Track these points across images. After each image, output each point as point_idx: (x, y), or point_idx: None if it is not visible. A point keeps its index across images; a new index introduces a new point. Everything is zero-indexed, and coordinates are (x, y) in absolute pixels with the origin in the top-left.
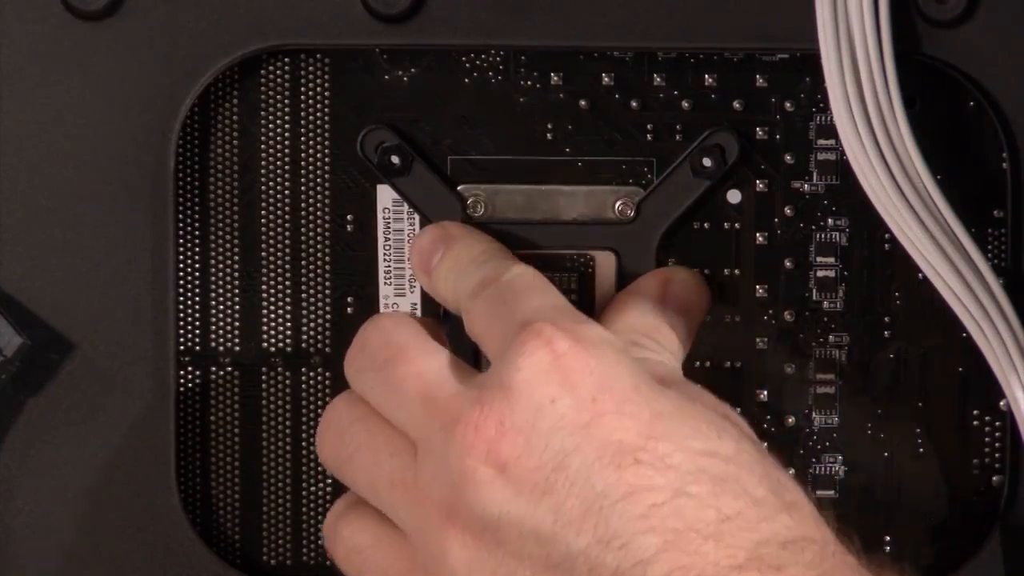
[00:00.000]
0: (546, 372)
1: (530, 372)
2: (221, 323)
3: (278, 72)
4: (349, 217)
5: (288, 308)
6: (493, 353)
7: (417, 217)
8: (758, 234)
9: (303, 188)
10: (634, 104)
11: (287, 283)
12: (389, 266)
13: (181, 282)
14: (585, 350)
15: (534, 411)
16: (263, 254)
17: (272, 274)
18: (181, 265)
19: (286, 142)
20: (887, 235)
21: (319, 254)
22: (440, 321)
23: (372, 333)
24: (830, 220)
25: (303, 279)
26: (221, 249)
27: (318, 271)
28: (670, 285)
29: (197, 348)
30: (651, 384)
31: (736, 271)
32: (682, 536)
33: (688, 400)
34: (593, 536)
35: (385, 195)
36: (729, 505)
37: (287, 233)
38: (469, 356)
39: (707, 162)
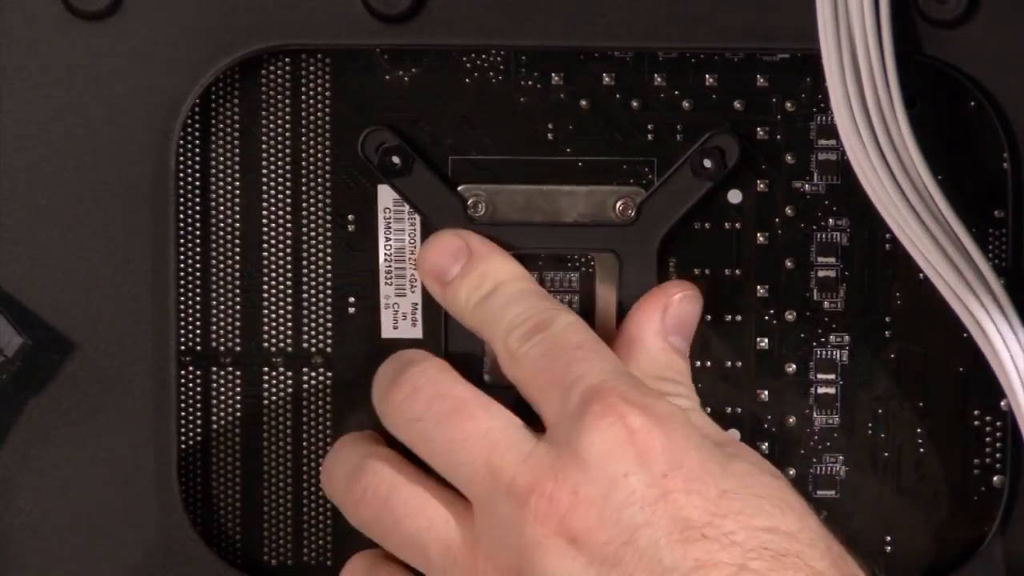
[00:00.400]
0: (621, 447)
1: (605, 447)
2: (222, 323)
3: (279, 72)
4: (350, 217)
5: (289, 308)
6: (550, 413)
7: (418, 217)
8: (759, 234)
9: (304, 188)
10: (635, 104)
11: (288, 283)
12: (390, 266)
13: (182, 282)
14: (658, 426)
15: (608, 484)
16: (264, 254)
17: (273, 274)
18: (182, 265)
19: (287, 142)
20: (888, 235)
21: (320, 254)
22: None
23: (421, 379)
24: (831, 220)
25: (304, 279)
26: (222, 249)
27: (319, 271)
28: (668, 313)
29: (198, 348)
30: (717, 459)
31: (737, 271)
32: None
33: (752, 476)
34: None
35: (386, 195)
36: None
37: (288, 233)
38: (476, 366)
39: (707, 163)
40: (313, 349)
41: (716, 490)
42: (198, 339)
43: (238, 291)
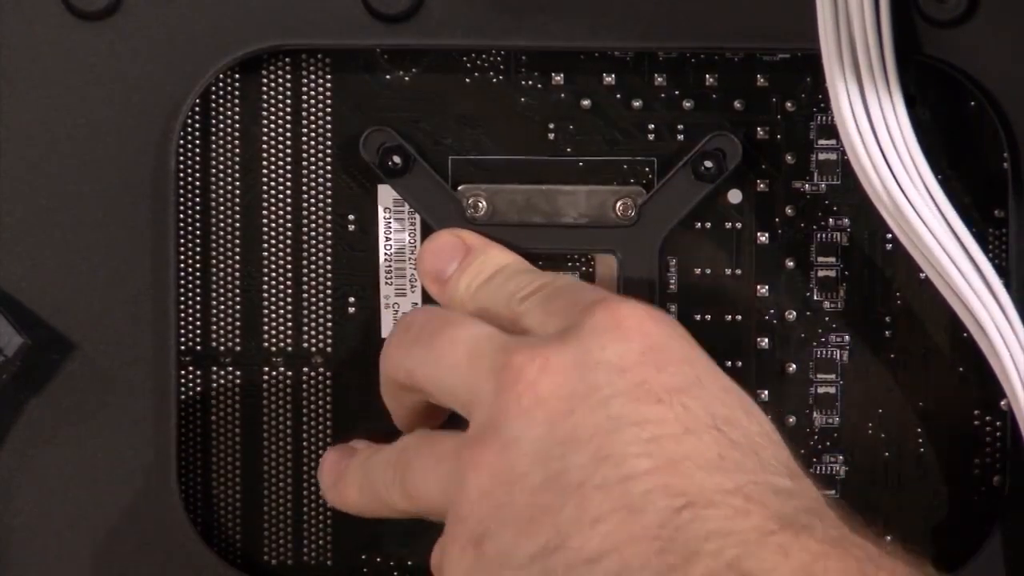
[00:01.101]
0: (605, 328)
1: (590, 327)
2: (222, 323)
3: (279, 72)
4: (350, 217)
5: (289, 308)
6: (556, 320)
7: (418, 217)
8: (759, 234)
9: (304, 188)
10: (635, 104)
11: (288, 283)
12: (390, 266)
13: (182, 282)
14: (651, 315)
15: (581, 354)
16: (264, 254)
17: (273, 274)
18: (182, 265)
19: (287, 142)
20: (888, 235)
21: (320, 254)
22: None
23: (416, 315)
24: (831, 220)
25: (304, 279)
26: (222, 249)
27: (319, 271)
28: None
29: (198, 348)
30: (705, 362)
31: (737, 271)
32: (677, 463)
33: (736, 389)
34: (593, 454)
35: (386, 195)
36: (734, 455)
37: (288, 233)
38: None
39: (708, 165)
40: (313, 349)
41: (691, 378)
42: (198, 339)
43: (238, 291)
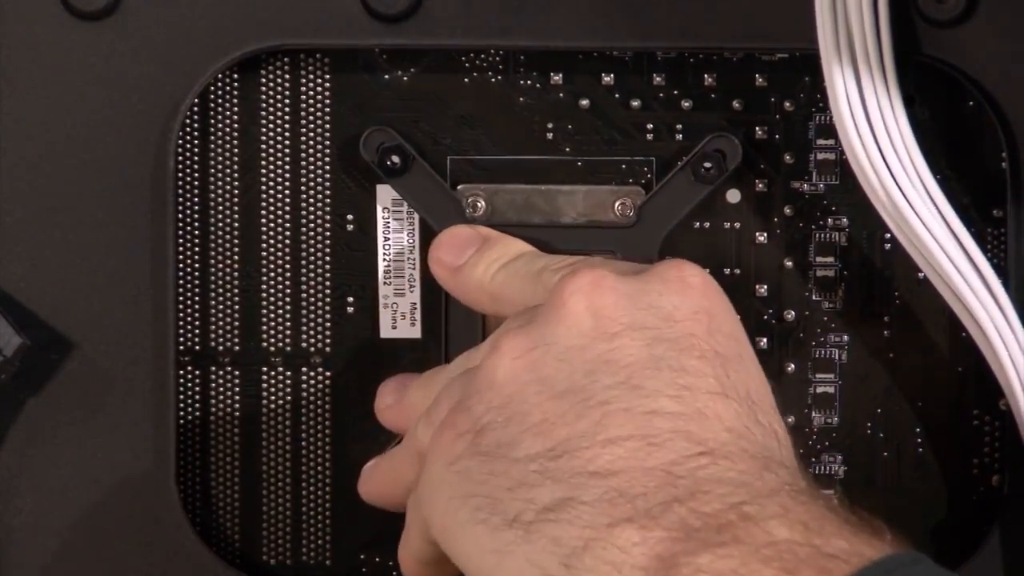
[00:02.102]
0: (667, 278)
1: (652, 274)
2: (221, 323)
3: (278, 72)
4: (349, 217)
5: (288, 308)
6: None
7: (417, 217)
8: (758, 234)
9: (303, 188)
10: (634, 104)
11: (287, 283)
12: (389, 266)
13: (181, 282)
14: (712, 284)
15: (640, 291)
16: (263, 254)
17: (272, 274)
18: (181, 265)
19: (286, 142)
20: (887, 235)
21: (319, 254)
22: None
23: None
24: (830, 220)
25: (303, 279)
26: (221, 249)
27: (318, 271)
28: None
29: (197, 348)
30: (748, 345)
31: (736, 270)
32: (705, 417)
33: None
34: (625, 380)
35: (385, 195)
36: (758, 434)
37: (287, 233)
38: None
39: (708, 166)
40: (312, 349)
41: (736, 351)
42: (197, 339)
43: (237, 291)
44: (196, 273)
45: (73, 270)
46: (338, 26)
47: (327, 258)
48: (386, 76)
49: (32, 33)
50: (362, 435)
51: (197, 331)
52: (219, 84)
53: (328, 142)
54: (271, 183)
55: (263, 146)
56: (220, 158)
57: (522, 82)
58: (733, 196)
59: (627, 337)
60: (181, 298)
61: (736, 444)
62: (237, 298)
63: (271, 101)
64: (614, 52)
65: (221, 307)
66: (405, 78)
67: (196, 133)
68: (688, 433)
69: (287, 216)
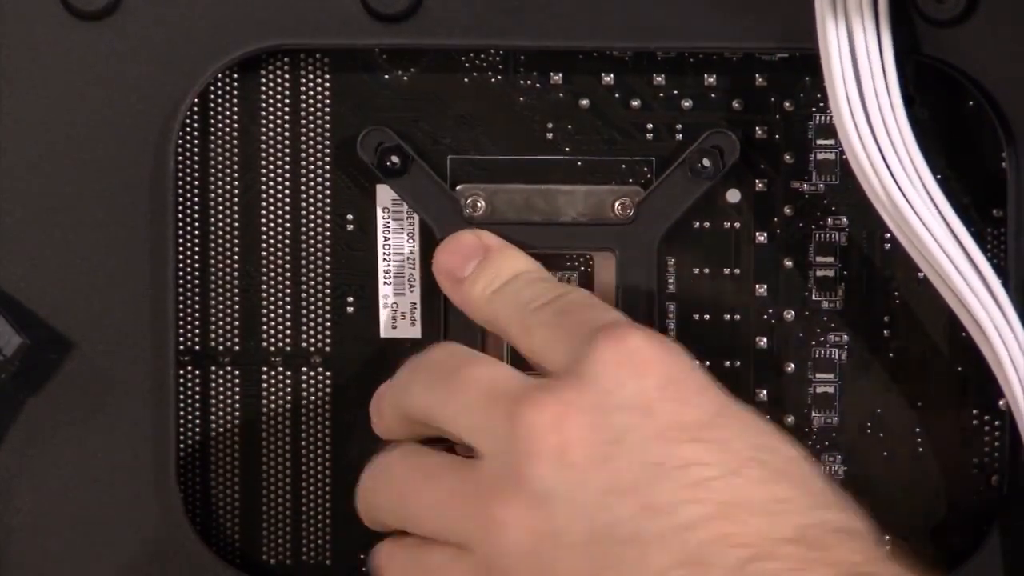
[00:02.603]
0: (618, 363)
1: (603, 364)
2: (221, 323)
3: (278, 72)
4: (349, 217)
5: (288, 308)
6: (559, 362)
7: (417, 217)
8: (758, 234)
9: (303, 188)
10: (634, 104)
11: (287, 282)
12: (389, 266)
13: (181, 282)
14: (661, 346)
15: (601, 394)
16: (263, 254)
17: (272, 273)
18: (181, 264)
19: (286, 142)
20: (887, 235)
21: (319, 254)
22: None
23: (435, 351)
24: (830, 220)
25: (303, 279)
26: (221, 249)
27: (318, 271)
28: None
29: (197, 348)
30: (716, 390)
31: (736, 270)
32: (729, 508)
33: (753, 415)
34: (641, 504)
35: (385, 195)
36: (783, 490)
37: (287, 233)
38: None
39: (706, 163)
40: (312, 349)
41: (717, 406)
42: (197, 339)
43: (237, 291)
44: (196, 273)
45: (73, 270)
46: (338, 26)
47: (327, 258)
48: (386, 76)
49: (32, 33)
50: (362, 435)
51: (197, 331)
52: (219, 84)
53: (328, 142)
54: (271, 183)
55: (263, 146)
56: (220, 158)
57: (522, 82)
58: (733, 196)
59: (617, 458)
60: (181, 298)
61: (773, 530)
62: (237, 298)
63: (271, 101)
64: (614, 52)
65: (221, 307)
66: (405, 78)
67: (196, 133)
68: (725, 537)
69: (287, 216)
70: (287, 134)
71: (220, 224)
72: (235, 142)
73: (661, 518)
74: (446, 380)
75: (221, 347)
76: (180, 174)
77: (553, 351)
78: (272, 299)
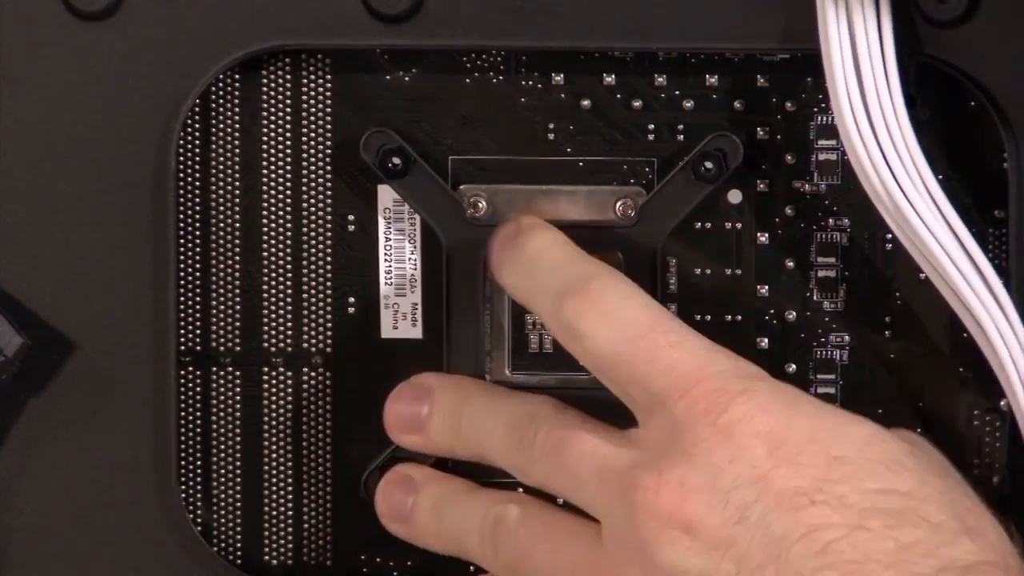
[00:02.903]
0: (724, 439)
1: (707, 440)
2: (222, 323)
3: (279, 72)
4: (350, 217)
5: (289, 308)
6: (641, 401)
7: (418, 218)
8: (759, 234)
9: (304, 188)
10: (635, 104)
11: (288, 283)
12: (390, 266)
13: (182, 282)
14: (760, 411)
15: (713, 471)
16: (264, 254)
17: (273, 274)
18: (182, 265)
19: (287, 142)
20: (888, 235)
21: (320, 254)
22: None
23: (526, 421)
24: (831, 220)
25: (304, 279)
26: (222, 249)
27: (319, 271)
28: None
29: (198, 348)
30: (829, 425)
31: (737, 271)
32: (861, 568)
33: (871, 442)
34: None
35: (386, 195)
36: (907, 534)
37: (288, 233)
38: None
39: (709, 165)
40: (313, 349)
41: (826, 458)
42: (198, 339)
43: (238, 291)
44: (197, 273)
45: (74, 270)
46: (339, 26)
47: (328, 258)
48: (387, 76)
49: (33, 33)
50: (363, 435)
51: (198, 331)
52: (220, 84)
53: (329, 142)
54: (272, 183)
55: (264, 146)
56: (221, 158)
57: (523, 82)
58: (734, 196)
59: (742, 537)
60: (182, 298)
61: None
62: (238, 298)
63: (272, 101)
64: (615, 52)
65: (222, 307)
66: (406, 78)
67: (197, 133)
68: None
69: (288, 216)
70: (288, 134)
71: (221, 224)
72: (236, 142)
73: None
74: (554, 458)
75: (222, 348)
76: (181, 174)
77: (624, 385)
78: (273, 300)
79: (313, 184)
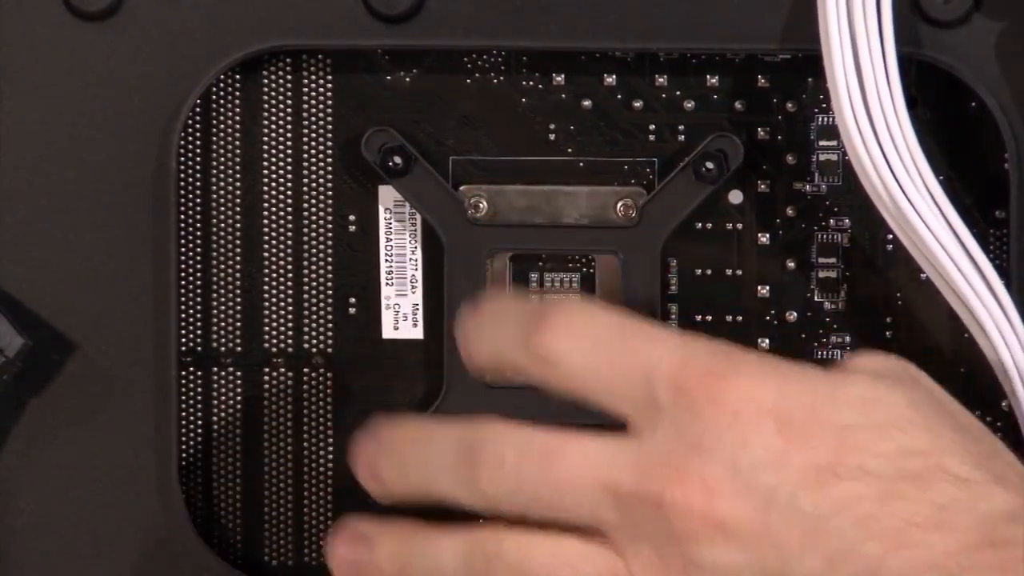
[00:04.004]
0: (730, 424)
1: (715, 429)
2: (223, 323)
3: (280, 72)
4: (351, 217)
5: (290, 308)
6: (627, 405)
7: (419, 218)
8: (760, 234)
9: (305, 188)
10: (636, 104)
11: (289, 283)
12: (391, 267)
13: (183, 282)
14: (759, 387)
15: (729, 460)
16: (265, 254)
17: (274, 274)
18: (183, 265)
19: (288, 142)
20: (889, 235)
21: (321, 254)
22: None
23: (489, 451)
24: (832, 220)
25: (305, 279)
26: (223, 249)
27: (320, 271)
28: None
29: (199, 348)
30: (824, 392)
31: (738, 271)
32: (904, 533)
33: (867, 401)
34: (822, 559)
35: (387, 195)
36: (940, 493)
37: (289, 233)
38: None
39: (710, 166)
40: (314, 349)
41: (834, 428)
42: (199, 339)
43: (239, 291)
44: (198, 273)
45: (75, 271)
46: (340, 26)
47: (329, 259)
48: (388, 77)
49: (33, 33)
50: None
51: (199, 332)
52: (221, 85)
53: (330, 142)
54: (273, 183)
55: (265, 146)
56: (222, 159)
57: (524, 83)
58: (735, 197)
59: (776, 522)
60: (183, 299)
61: (950, 545)
62: (239, 299)
63: (273, 101)
64: (616, 53)
65: (223, 308)
66: (407, 79)
67: (198, 133)
68: (915, 569)
69: (289, 217)
70: (289, 135)
71: (222, 225)
72: (237, 143)
73: (849, 566)
74: (540, 483)
75: (223, 348)
76: (182, 175)
77: (606, 391)
78: (274, 300)
79: (314, 185)
